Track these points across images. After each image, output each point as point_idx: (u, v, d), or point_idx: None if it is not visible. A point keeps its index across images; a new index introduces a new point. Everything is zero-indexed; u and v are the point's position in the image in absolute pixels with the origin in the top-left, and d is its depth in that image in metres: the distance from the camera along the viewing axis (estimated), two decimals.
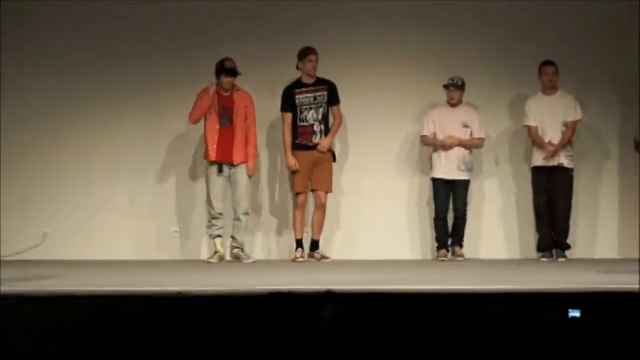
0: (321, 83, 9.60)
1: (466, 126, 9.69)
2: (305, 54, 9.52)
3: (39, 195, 10.01)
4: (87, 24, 10.01)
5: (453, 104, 9.68)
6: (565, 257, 9.55)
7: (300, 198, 9.62)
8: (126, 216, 10.05)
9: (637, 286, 6.89)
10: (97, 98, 10.01)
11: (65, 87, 9.96)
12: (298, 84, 9.58)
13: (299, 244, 9.66)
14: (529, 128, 9.69)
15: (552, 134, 9.58)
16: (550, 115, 9.59)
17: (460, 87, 9.65)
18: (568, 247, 9.62)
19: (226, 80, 9.27)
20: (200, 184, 9.91)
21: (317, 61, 9.52)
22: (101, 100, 10.02)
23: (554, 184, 9.61)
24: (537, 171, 9.66)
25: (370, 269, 8.79)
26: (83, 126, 10.05)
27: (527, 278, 7.90)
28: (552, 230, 9.68)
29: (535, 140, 9.67)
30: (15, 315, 5.22)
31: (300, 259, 9.55)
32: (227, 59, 9.29)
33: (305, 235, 9.78)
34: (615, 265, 9.16)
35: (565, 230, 9.63)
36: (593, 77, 9.95)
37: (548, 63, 9.61)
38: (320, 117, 9.58)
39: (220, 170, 9.38)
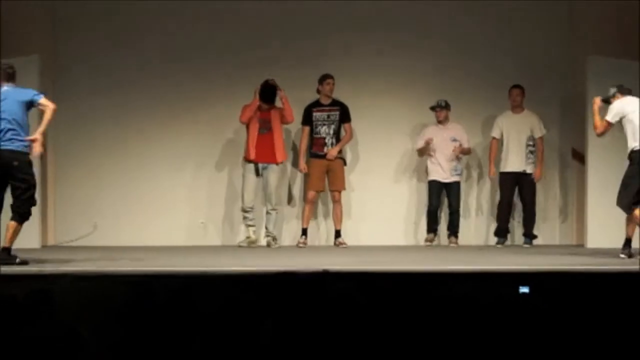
0: (335, 104, 9.59)
1: (454, 140, 9.67)
2: (324, 78, 9.52)
3: (90, 192, 9.94)
4: (144, 41, 9.87)
5: (440, 121, 9.66)
6: (530, 243, 9.53)
7: (310, 195, 9.60)
8: (164, 208, 9.97)
9: (575, 266, 6.89)
10: (143, 108, 9.88)
11: (114, 99, 9.82)
12: (316, 103, 9.58)
13: (304, 231, 9.62)
14: (492, 138, 9.66)
15: (514, 146, 9.56)
16: (516, 130, 9.57)
17: (445, 107, 9.62)
18: (535, 236, 9.61)
19: (263, 105, 9.26)
20: (233, 181, 9.84)
21: (333, 84, 9.50)
22: (146, 110, 9.90)
23: (520, 186, 9.59)
24: (504, 175, 9.63)
25: (364, 252, 8.77)
26: (129, 133, 9.91)
27: (487, 260, 7.89)
28: (522, 222, 9.70)
29: (490, 150, 9.66)
30: (70, 290, 5.19)
31: (302, 244, 9.51)
32: (270, 79, 9.25)
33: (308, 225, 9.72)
34: (556, 249, 9.17)
35: (531, 223, 9.61)
36: (542, 98, 9.89)
37: (515, 86, 9.60)
38: (331, 131, 9.56)
39: (257, 172, 9.33)
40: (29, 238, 9.06)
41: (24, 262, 7.12)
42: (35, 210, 9.19)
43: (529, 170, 9.56)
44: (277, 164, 9.40)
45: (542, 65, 9.98)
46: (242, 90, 9.43)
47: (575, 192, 10.02)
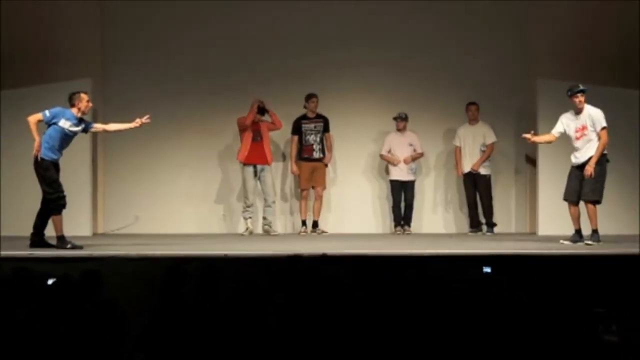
0: (319, 117, 9.58)
1: (410, 145, 9.62)
2: (310, 97, 9.50)
3: (133, 189, 9.91)
4: (178, 64, 9.83)
5: (400, 129, 9.61)
6: (492, 231, 9.46)
7: (304, 192, 9.59)
8: (193, 202, 9.92)
9: (529, 250, 6.88)
10: (175, 120, 9.82)
11: (152, 111, 9.72)
12: (304, 117, 9.55)
13: (303, 222, 9.59)
14: (455, 146, 9.63)
15: (470, 153, 9.51)
16: (472, 139, 9.51)
17: (404, 119, 9.59)
18: (494, 224, 9.53)
19: (256, 117, 9.29)
20: (238, 182, 9.80)
21: (317, 102, 9.49)
22: (178, 121, 9.84)
23: (477, 185, 9.52)
24: (464, 176, 9.59)
25: (351, 239, 8.75)
26: (165, 139, 9.84)
27: (457, 245, 7.86)
28: (482, 214, 9.56)
29: (455, 156, 9.64)
30: (116, 270, 5.18)
31: (303, 233, 9.49)
32: (259, 102, 9.30)
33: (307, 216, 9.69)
34: (513, 236, 9.16)
35: (489, 214, 9.51)
36: (500, 111, 9.83)
37: (471, 103, 9.55)
38: (318, 139, 9.54)
39: (255, 173, 9.31)
40: (81, 227, 9.07)
41: (77, 247, 7.10)
42: (87, 204, 9.27)
43: (482, 172, 9.48)
44: (268, 165, 9.39)
45: (501, 83, 9.86)
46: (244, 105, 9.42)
47: (528, 190, 9.97)
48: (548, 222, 9.06)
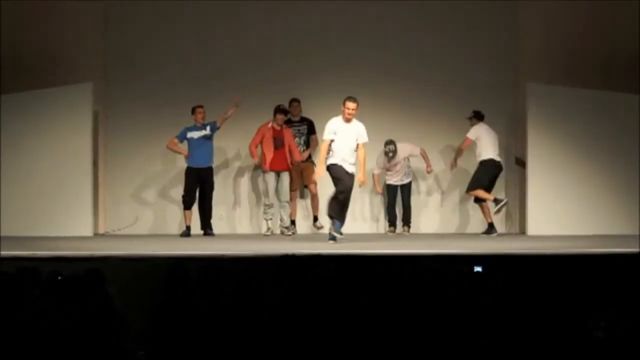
0: (303, 120, 9.59)
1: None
2: (291, 102, 9.51)
3: (134, 190, 9.83)
4: (182, 67, 9.74)
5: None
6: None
7: (293, 194, 9.56)
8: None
9: (518, 250, 6.89)
10: (178, 122, 9.41)
11: (154, 114, 9.68)
12: (288, 121, 9.47)
13: (292, 222, 9.55)
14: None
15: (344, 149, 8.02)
16: (347, 135, 7.88)
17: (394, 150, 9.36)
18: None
19: (279, 117, 9.17)
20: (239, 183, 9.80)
21: (299, 106, 9.52)
22: (181, 124, 9.49)
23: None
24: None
25: (344, 240, 8.72)
26: (163, 143, 9.51)
27: (449, 245, 7.86)
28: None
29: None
30: (117, 269, 5.17)
31: (292, 233, 9.44)
32: (281, 105, 9.26)
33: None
34: (503, 236, 9.16)
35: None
36: (491, 115, 9.58)
37: (348, 99, 7.80)
38: (302, 142, 9.54)
39: (275, 176, 9.30)
40: (83, 227, 9.02)
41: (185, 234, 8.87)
42: (88, 204, 9.20)
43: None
44: (288, 170, 9.34)
45: (492, 86, 9.72)
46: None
47: (518, 191, 9.94)
48: (537, 223, 9.06)
